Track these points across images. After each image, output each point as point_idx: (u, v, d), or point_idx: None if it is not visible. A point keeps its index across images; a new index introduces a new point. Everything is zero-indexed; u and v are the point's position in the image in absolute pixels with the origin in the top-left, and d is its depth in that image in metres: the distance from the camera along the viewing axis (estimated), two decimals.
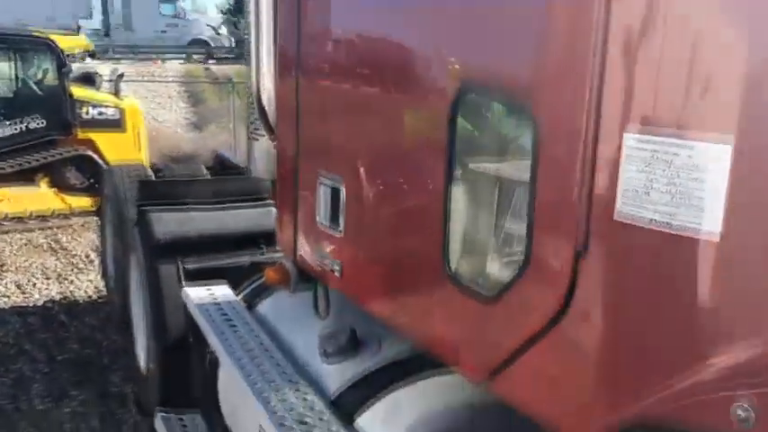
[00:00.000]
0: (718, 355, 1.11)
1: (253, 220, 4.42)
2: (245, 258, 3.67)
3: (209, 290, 3.30)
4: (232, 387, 2.93)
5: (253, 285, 3.36)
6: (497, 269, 1.62)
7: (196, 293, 3.24)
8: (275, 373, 2.50)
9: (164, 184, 4.45)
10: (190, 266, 3.52)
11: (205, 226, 4.25)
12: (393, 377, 2.34)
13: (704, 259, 1.15)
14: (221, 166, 6.31)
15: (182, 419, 3.46)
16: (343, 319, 2.73)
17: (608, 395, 1.28)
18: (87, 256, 8.32)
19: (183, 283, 3.53)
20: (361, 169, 2.06)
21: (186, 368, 3.95)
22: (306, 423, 2.17)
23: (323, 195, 2.32)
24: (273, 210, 4.46)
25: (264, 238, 4.12)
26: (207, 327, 2.92)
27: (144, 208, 4.24)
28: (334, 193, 2.26)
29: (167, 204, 4.30)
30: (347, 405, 2.31)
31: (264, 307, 3.16)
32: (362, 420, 2.23)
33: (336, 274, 2.26)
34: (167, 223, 4.20)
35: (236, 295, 3.31)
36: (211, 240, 4.11)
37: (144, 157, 10.12)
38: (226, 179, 4.60)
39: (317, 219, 2.38)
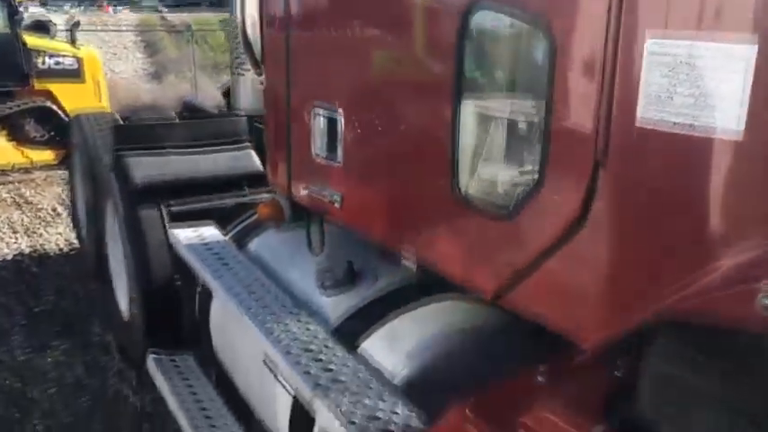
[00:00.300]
0: (741, 249, 1.15)
1: (232, 162, 4.38)
2: (229, 200, 3.64)
3: (195, 231, 3.28)
4: (228, 323, 2.94)
5: (241, 225, 3.36)
6: (511, 185, 1.64)
7: (184, 234, 3.22)
8: (275, 305, 2.52)
9: (140, 128, 4.36)
10: (174, 209, 3.49)
11: (184, 169, 4.19)
12: (391, 306, 2.38)
13: (726, 158, 1.18)
14: (190, 113, 6.19)
15: (174, 360, 3.47)
16: (338, 253, 2.74)
17: (631, 295, 1.32)
18: (54, 210, 8.18)
19: (168, 225, 3.49)
20: (362, 96, 2.05)
21: (172, 312, 3.96)
22: (311, 350, 2.20)
23: (319, 127, 2.31)
24: (252, 151, 4.47)
25: (247, 180, 4.10)
26: (199, 265, 2.91)
27: (121, 153, 4.16)
28: (331, 123, 2.25)
29: (144, 149, 4.23)
30: (348, 334, 2.34)
31: (254, 246, 3.16)
32: (365, 347, 2.26)
33: (336, 205, 2.27)
34: (145, 168, 4.14)
35: (224, 236, 3.30)
36: (191, 184, 4.07)
37: (106, 107, 9.89)
38: (202, 121, 4.52)
39: (313, 151, 2.37)
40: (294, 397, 2.33)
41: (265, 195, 3.69)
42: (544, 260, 1.49)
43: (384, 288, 2.48)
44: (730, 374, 1.15)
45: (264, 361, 2.29)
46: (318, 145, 2.31)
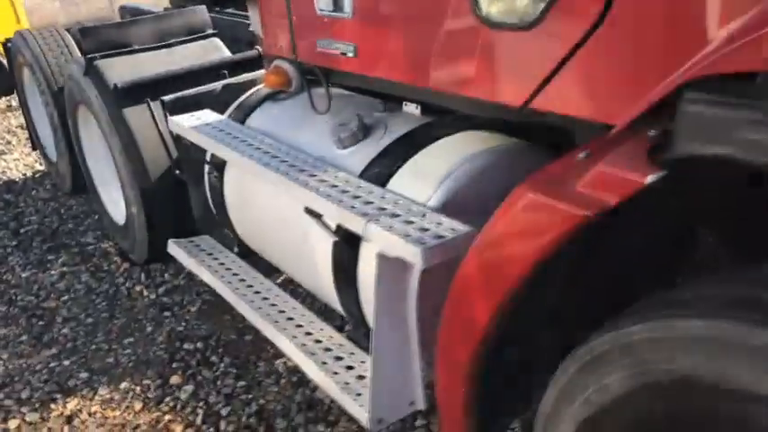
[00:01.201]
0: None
1: (203, 52, 4.46)
2: (215, 84, 3.76)
3: (194, 116, 3.41)
4: (249, 192, 3.15)
5: (235, 105, 3.50)
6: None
7: (185, 120, 3.35)
8: (297, 162, 2.72)
9: (107, 30, 4.37)
10: (167, 99, 3.60)
11: (159, 65, 4.27)
12: (407, 147, 2.61)
13: None
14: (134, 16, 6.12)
15: (192, 241, 3.68)
16: (344, 110, 2.95)
17: (654, 69, 1.58)
18: (3, 139, 8.05)
19: (166, 115, 3.61)
20: None
21: (174, 203, 4.14)
22: (347, 191, 2.43)
23: None
24: (218, 40, 4.54)
25: (221, 68, 4.20)
26: (211, 141, 3.06)
27: (92, 56, 4.20)
28: None
29: (116, 50, 4.27)
30: (375, 176, 2.57)
31: (255, 120, 3.33)
32: (393, 184, 2.50)
33: (350, 55, 2.45)
34: (122, 68, 4.20)
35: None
36: (170, 78, 4.16)
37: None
38: (165, 17, 4.54)
39: (317, 10, 2.53)
40: (336, 241, 2.58)
41: (246, 76, 3.83)
42: (570, 60, 1.73)
43: (396, 134, 2.71)
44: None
45: (306, 209, 2.52)
46: (323, 2, 2.47)
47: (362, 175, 2.61)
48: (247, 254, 3.53)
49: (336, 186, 2.49)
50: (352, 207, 2.31)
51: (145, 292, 4.55)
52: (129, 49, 4.33)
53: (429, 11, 2.12)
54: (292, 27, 2.68)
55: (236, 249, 3.54)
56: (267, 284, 3.20)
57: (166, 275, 4.71)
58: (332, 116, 2.98)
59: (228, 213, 3.41)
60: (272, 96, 3.40)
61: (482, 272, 1.78)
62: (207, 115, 3.40)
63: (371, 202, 2.34)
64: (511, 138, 2.55)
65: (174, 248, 3.64)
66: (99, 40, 4.30)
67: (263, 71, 3.80)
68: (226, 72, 4.03)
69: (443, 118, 2.75)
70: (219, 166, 3.37)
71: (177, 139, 3.60)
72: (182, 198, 4.11)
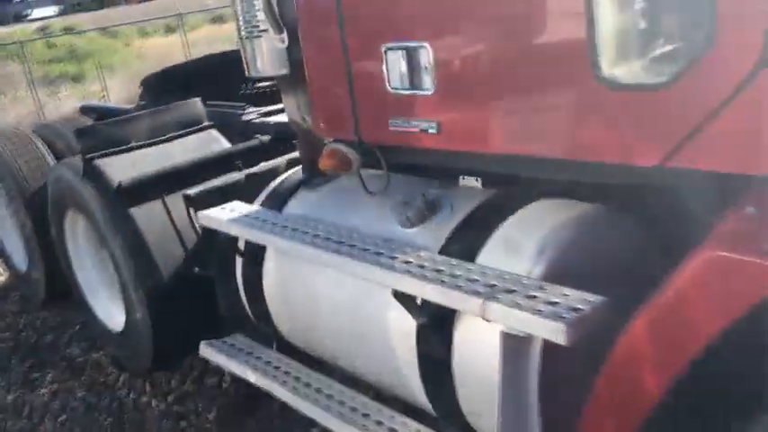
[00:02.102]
0: None
1: (202, 146, 4.31)
2: (238, 175, 3.61)
3: (225, 208, 3.24)
4: (300, 281, 2.97)
5: (266, 194, 3.36)
6: (668, 56, 1.83)
7: (218, 214, 3.18)
8: (369, 246, 2.58)
9: (102, 129, 4.17)
10: (191, 193, 3.41)
11: (158, 162, 4.09)
12: (487, 219, 2.52)
13: None
14: (101, 117, 5.92)
15: (225, 341, 3.44)
16: (396, 190, 2.84)
17: None
18: None
19: (191, 210, 3.43)
20: (457, 21, 2.16)
21: (184, 307, 3.90)
22: (441, 270, 2.30)
23: (396, 63, 2.39)
24: (215, 131, 4.41)
25: (229, 159, 4.06)
26: (257, 232, 2.89)
27: (91, 157, 3.99)
28: (411, 56, 2.34)
29: (113, 147, 4.08)
30: (458, 252, 2.46)
31: (294, 207, 3.18)
32: (483, 260, 2.40)
33: (432, 131, 2.37)
34: (120, 167, 4.00)
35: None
36: (175, 174, 3.98)
37: None
38: (158, 112, 4.38)
39: (389, 89, 2.45)
40: (422, 326, 2.43)
41: (268, 164, 3.69)
42: (717, 116, 1.70)
43: (466, 208, 2.61)
44: None
45: (396, 293, 2.37)
46: (399, 80, 2.39)
47: (443, 253, 2.50)
48: (288, 351, 3.32)
49: (424, 266, 2.36)
50: (458, 287, 2.18)
51: (153, 403, 4.22)
52: (127, 146, 4.14)
53: (533, 79, 2.08)
54: (355, 107, 2.58)
55: (274, 346, 3.32)
56: (325, 380, 2.99)
57: (173, 383, 4.40)
58: (384, 197, 2.87)
59: (268, 307, 3.22)
60: (307, 182, 3.27)
61: (655, 342, 1.67)
62: (240, 206, 3.24)
63: (476, 280, 2.22)
64: (583, 203, 2.50)
65: (207, 350, 3.39)
66: (95, 139, 4.09)
67: (282, 159, 3.69)
68: (239, 162, 3.89)
69: (509, 189, 2.68)
70: (256, 257, 3.19)
71: (204, 234, 3.40)
72: (194, 299, 3.89)
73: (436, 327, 2.42)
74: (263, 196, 3.36)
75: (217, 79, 5.44)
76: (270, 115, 4.77)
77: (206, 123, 4.46)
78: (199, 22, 28.03)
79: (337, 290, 2.81)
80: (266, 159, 3.95)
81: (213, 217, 3.16)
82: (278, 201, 3.27)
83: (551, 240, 2.31)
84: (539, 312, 1.96)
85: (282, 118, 4.63)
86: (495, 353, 2.22)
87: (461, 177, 2.84)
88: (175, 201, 3.87)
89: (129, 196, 3.87)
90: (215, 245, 3.42)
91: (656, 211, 2.51)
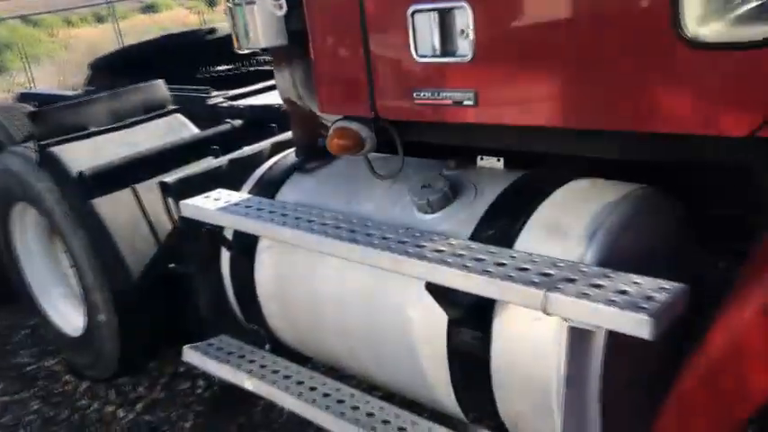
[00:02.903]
0: None
1: (169, 131, 3.96)
2: (220, 161, 3.27)
3: (209, 197, 2.91)
4: (304, 276, 2.68)
5: (254, 181, 3.04)
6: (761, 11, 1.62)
7: (203, 203, 2.85)
8: (390, 234, 2.31)
9: (59, 113, 3.75)
10: (169, 181, 3.06)
11: (121, 149, 3.72)
12: (521, 201, 2.29)
13: None
14: (42, 105, 5.44)
15: (211, 344, 3.10)
16: (406, 172, 2.58)
17: None
18: None
19: (168, 199, 3.08)
20: None
21: (154, 306, 3.57)
22: (482, 260, 2.06)
23: (425, 27, 2.13)
24: (180, 116, 4.05)
25: (206, 144, 3.73)
26: (254, 222, 2.58)
27: (45, 144, 3.59)
28: (445, 19, 2.08)
29: (72, 133, 3.69)
30: (492, 239, 2.22)
31: (288, 194, 2.88)
32: (522, 245, 2.16)
33: (468, 103, 2.11)
34: (80, 155, 3.62)
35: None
36: (142, 161, 3.63)
37: None
38: (119, 94, 3.99)
39: (415, 57, 2.19)
40: (455, 321, 2.19)
41: (251, 148, 3.38)
42: None
43: (494, 190, 2.38)
44: None
45: (430, 286, 2.11)
46: (430, 46, 2.13)
47: (475, 237, 2.25)
48: (282, 352, 3.02)
49: (461, 255, 2.11)
50: (509, 277, 1.93)
51: (120, 413, 3.87)
52: (86, 132, 3.75)
53: (600, 39, 1.83)
54: (372, 79, 2.30)
55: (268, 347, 3.02)
56: (332, 383, 2.70)
57: (140, 389, 4.05)
58: (394, 181, 2.61)
59: (260, 305, 2.91)
60: (300, 167, 2.98)
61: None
62: (227, 194, 2.92)
63: (525, 269, 1.98)
64: (623, 182, 2.29)
65: (192, 355, 3.05)
66: (49, 125, 3.69)
67: (266, 143, 3.37)
68: (218, 147, 3.55)
69: (537, 170, 2.46)
70: (247, 250, 2.88)
71: (182, 225, 3.06)
72: (165, 298, 3.56)
73: (472, 321, 2.17)
74: (250, 183, 3.05)
75: (173, 62, 5.08)
76: (237, 99, 4.44)
77: (171, 107, 4.10)
78: (128, 12, 27.03)
79: (347, 284, 2.54)
80: (240, 145, 3.64)
81: (199, 206, 2.83)
82: (269, 187, 2.96)
83: (601, 222, 2.09)
84: (613, 303, 1.74)
85: (254, 101, 4.34)
86: (546, 349, 2.01)
87: (479, 158, 2.60)
88: (145, 191, 3.53)
89: (91, 187, 3.49)
90: (196, 238, 3.09)
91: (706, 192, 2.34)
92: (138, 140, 3.84)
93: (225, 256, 3.03)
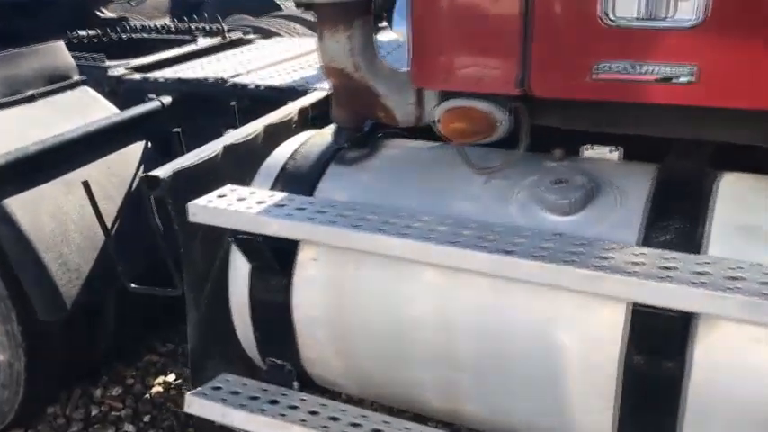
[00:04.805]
0: None
1: (79, 108, 3.09)
2: (212, 148, 2.48)
3: (224, 196, 2.19)
4: (383, 295, 2.11)
5: (275, 176, 2.38)
6: None
7: (218, 204, 2.13)
8: (531, 244, 1.84)
9: None
10: (162, 175, 2.23)
11: (22, 129, 2.80)
12: (687, 199, 1.95)
13: None
14: None
15: (218, 387, 2.35)
16: (495, 165, 2.13)
17: None
18: None
19: (166, 201, 2.29)
20: None
21: (74, 339, 2.80)
22: (669, 267, 1.68)
23: None
24: (91, 90, 3.19)
25: (133, 125, 2.92)
26: (322, 230, 1.97)
27: None
28: None
29: None
30: (669, 245, 1.86)
31: (331, 191, 2.28)
32: (715, 250, 1.82)
33: (683, 80, 1.71)
34: None
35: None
36: (61, 149, 2.76)
37: None
38: (11, 57, 2.95)
39: (606, 20, 1.74)
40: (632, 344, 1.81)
41: (244, 131, 2.65)
42: None
43: (640, 187, 2.01)
44: None
45: (636, 308, 1.68)
46: (626, 7, 1.69)
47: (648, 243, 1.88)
48: (312, 389, 2.41)
49: (669, 267, 1.71)
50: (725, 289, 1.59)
51: None
52: None
53: None
54: (528, 47, 1.80)
55: (296, 385, 2.37)
56: (397, 422, 2.15)
57: None
58: (491, 177, 2.14)
59: (295, 333, 2.28)
60: (340, 157, 2.37)
61: None
62: (247, 192, 2.23)
63: (735, 278, 1.64)
64: None
65: (202, 405, 2.27)
66: None
67: (257, 124, 2.67)
68: (179, 130, 2.76)
69: (668, 161, 2.13)
70: (280, 265, 2.23)
71: (186, 236, 2.29)
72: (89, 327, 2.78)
73: (665, 346, 1.79)
74: (266, 177, 2.38)
75: (33, 22, 4.06)
76: (147, 71, 3.60)
77: (77, 77, 3.18)
78: None
79: (455, 303, 2.02)
80: (171, 126, 2.92)
81: (222, 209, 2.12)
82: (301, 183, 2.32)
83: None
84: None
85: (178, 74, 3.53)
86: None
87: (584, 147, 2.21)
88: (68, 189, 2.69)
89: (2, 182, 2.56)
90: (189, 248, 2.34)
91: None
92: (42, 119, 2.93)
93: (238, 271, 2.33)
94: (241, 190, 2.27)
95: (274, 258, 2.22)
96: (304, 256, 2.22)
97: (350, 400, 2.62)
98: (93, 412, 3.24)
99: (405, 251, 1.92)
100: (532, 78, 1.86)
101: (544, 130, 2.06)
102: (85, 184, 2.50)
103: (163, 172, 2.26)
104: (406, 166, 2.32)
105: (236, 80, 3.32)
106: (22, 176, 2.61)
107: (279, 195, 2.20)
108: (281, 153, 2.45)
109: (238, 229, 2.14)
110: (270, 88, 3.21)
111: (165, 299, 2.58)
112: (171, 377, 3.48)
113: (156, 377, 3.48)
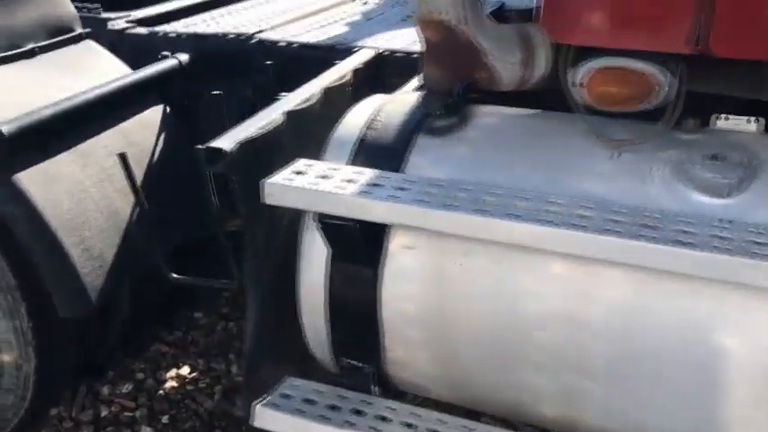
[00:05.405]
0: None
1: (85, 65, 2.65)
2: (273, 115, 2.08)
3: (300, 172, 1.83)
4: (509, 288, 1.80)
5: (354, 148, 2.02)
6: None
7: (293, 183, 1.78)
8: (669, 226, 1.56)
9: None
10: (221, 145, 1.85)
11: (23, 89, 2.38)
12: None
13: None
14: None
15: (286, 395, 2.00)
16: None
17: None
18: None
19: (210, 176, 1.92)
20: None
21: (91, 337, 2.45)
22: None
23: None
24: (95, 44, 2.77)
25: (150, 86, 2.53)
26: (401, 208, 1.65)
27: None
28: None
29: None
30: None
31: (426, 166, 1.95)
32: None
33: None
34: None
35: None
36: (75, 113, 2.34)
37: None
38: (5, 4, 2.49)
39: None
40: None
41: (299, 95, 2.27)
42: None
43: None
44: None
45: None
46: None
47: None
48: (392, 394, 2.10)
49: None
50: None
51: None
52: None
53: None
54: None
55: (376, 389, 2.05)
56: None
57: None
58: (620, 151, 1.84)
59: (382, 331, 1.95)
60: (424, 126, 2.03)
61: None
62: (329, 169, 1.88)
63: None
64: None
65: (273, 419, 1.93)
66: None
67: (313, 87, 2.30)
68: (219, 93, 2.37)
69: None
70: (368, 254, 1.90)
71: (251, 217, 1.93)
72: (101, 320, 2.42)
73: None
74: (339, 149, 2.03)
75: None
76: (152, 24, 3.15)
77: (81, 30, 2.73)
78: None
79: (585, 301, 1.73)
80: (192, 87, 2.56)
81: (309, 190, 1.77)
82: (385, 156, 1.98)
83: None
84: None
85: (190, 28, 3.10)
86: None
87: (716, 117, 1.93)
88: (84, 161, 2.29)
89: (13, 152, 2.14)
90: (255, 234, 1.98)
91: None
92: (45, 77, 2.49)
93: (312, 261, 1.98)
94: (319, 165, 1.92)
95: (352, 248, 1.88)
96: (397, 244, 1.88)
97: (424, 402, 2.32)
98: (103, 413, 2.87)
99: (549, 242, 1.60)
100: (713, 35, 1.54)
101: None
102: (122, 156, 2.11)
103: (226, 143, 1.89)
104: (510, 138, 2.00)
105: (263, 36, 2.91)
106: (35, 147, 2.19)
107: (369, 172, 1.85)
108: (354, 122, 2.09)
109: (329, 213, 1.79)
110: (304, 46, 2.82)
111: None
112: (185, 370, 3.12)
113: (167, 370, 3.11)
